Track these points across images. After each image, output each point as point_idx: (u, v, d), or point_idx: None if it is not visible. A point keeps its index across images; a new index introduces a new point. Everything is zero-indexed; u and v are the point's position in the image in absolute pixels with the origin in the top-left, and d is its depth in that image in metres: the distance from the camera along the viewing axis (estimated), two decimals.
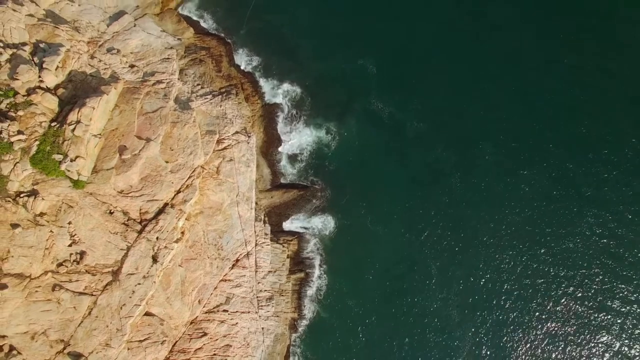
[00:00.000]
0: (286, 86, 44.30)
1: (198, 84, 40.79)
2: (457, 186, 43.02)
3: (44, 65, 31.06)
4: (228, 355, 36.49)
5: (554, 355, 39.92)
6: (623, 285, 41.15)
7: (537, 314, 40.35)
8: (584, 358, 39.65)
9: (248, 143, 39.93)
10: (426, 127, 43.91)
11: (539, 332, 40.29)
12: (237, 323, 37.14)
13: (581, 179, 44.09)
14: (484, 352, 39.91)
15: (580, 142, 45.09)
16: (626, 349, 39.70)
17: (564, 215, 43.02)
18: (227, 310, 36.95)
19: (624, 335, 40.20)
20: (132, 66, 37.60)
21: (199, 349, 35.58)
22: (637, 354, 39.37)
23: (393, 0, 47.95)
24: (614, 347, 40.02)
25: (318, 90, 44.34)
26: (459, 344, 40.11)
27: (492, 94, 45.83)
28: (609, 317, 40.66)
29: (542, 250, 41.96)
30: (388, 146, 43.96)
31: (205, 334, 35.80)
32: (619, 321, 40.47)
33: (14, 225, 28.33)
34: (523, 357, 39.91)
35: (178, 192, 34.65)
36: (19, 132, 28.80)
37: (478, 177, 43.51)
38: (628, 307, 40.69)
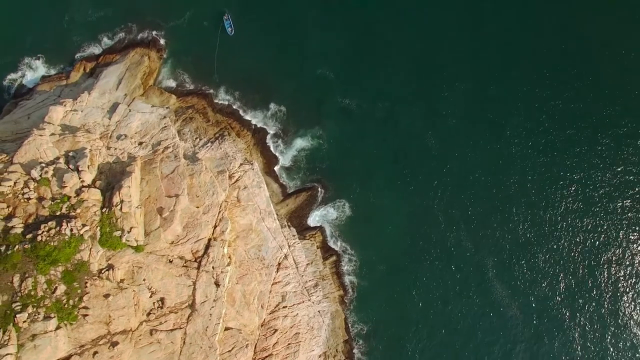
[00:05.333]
0: (266, 111, 50.11)
1: (196, 138, 47.81)
2: (433, 144, 49.89)
3: (80, 169, 38.24)
4: (300, 341, 43.18)
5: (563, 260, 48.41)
6: None
7: (540, 237, 48.97)
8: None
9: (253, 169, 46.31)
10: (389, 105, 50.51)
11: (540, 246, 48.70)
12: (297, 314, 43.75)
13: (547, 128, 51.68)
14: (494, 266, 47.68)
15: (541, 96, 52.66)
16: None
17: (541, 165, 50.87)
18: (286, 306, 43.61)
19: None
20: (140, 143, 44.39)
21: (275, 343, 42.21)
22: None
23: (329, 13, 53.78)
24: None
25: (294, 106, 50.17)
26: (478, 267, 47.77)
27: (435, 68, 52.69)
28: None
29: (529, 185, 50.13)
30: (365, 131, 50.21)
31: (276, 330, 42.54)
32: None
33: (106, 296, 35.51)
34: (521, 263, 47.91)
35: (215, 227, 41.12)
36: (83, 225, 36.06)
37: (446, 134, 50.48)
38: None
